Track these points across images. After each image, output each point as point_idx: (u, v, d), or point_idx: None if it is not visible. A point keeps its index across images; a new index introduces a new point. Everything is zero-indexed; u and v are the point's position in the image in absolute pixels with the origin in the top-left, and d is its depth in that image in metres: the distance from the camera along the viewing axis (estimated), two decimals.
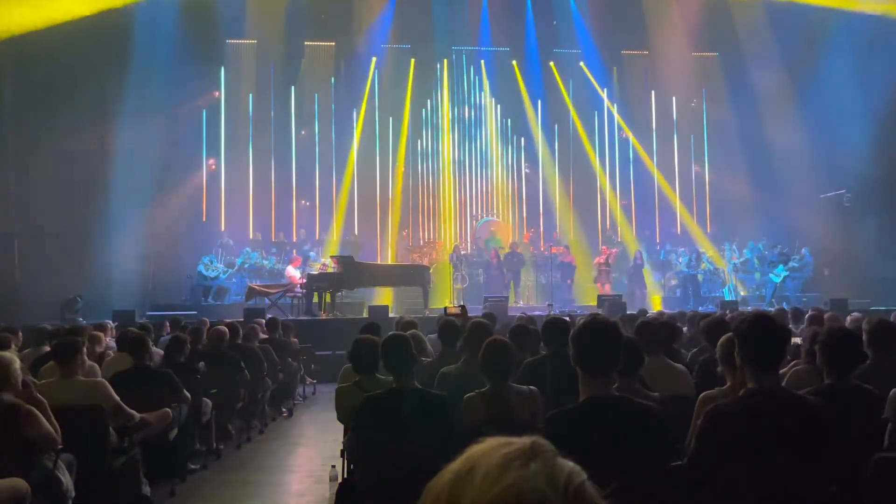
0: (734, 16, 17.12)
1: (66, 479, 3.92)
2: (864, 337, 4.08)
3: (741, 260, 16.23)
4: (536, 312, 11.20)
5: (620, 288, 15.26)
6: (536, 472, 0.75)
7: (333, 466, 5.01)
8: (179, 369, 5.65)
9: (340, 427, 4.25)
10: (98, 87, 13.56)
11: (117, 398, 4.60)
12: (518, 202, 19.21)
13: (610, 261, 15.66)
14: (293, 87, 18.06)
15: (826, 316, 7.09)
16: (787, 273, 15.01)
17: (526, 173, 19.18)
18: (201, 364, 6.50)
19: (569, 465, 0.77)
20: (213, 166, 17.52)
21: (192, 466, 5.82)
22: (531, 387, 3.56)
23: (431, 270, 15.08)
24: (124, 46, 14.21)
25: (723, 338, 3.54)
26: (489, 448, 0.79)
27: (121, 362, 5.69)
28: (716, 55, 18.33)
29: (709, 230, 18.78)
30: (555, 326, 4.32)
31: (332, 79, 18.09)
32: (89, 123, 12.96)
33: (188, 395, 5.50)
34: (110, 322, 9.23)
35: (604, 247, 16.29)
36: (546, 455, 0.77)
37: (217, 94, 17.48)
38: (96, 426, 4.33)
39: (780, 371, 3.53)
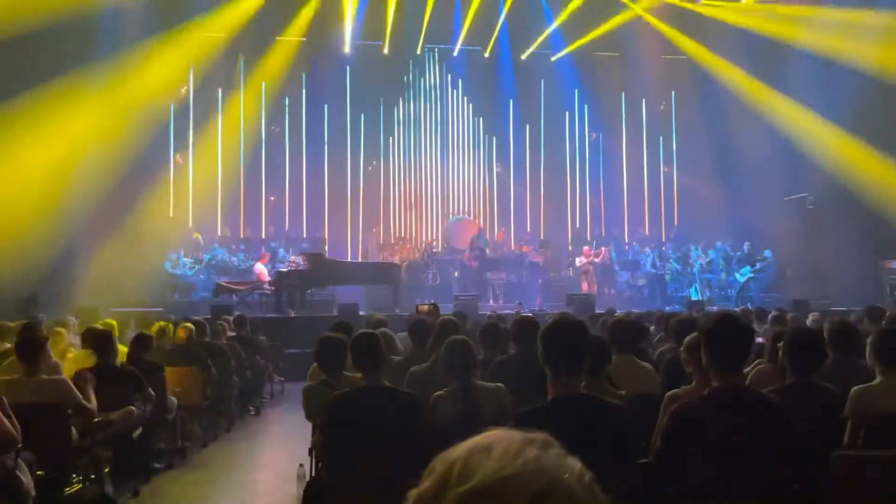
0: (703, 20, 17.38)
1: (27, 479, 3.84)
2: (826, 337, 4.16)
3: (707, 260, 16.49)
4: (506, 312, 11.24)
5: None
6: (557, 455, 0.78)
7: (301, 465, 4.97)
8: (144, 367, 5.56)
9: (308, 425, 4.22)
10: (62, 77, 13.25)
11: (80, 396, 4.52)
12: (490, 201, 19.28)
13: (597, 259, 15.51)
14: (263, 83, 17.88)
15: (789, 316, 7.24)
16: (751, 274, 15.30)
17: (497, 172, 19.25)
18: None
19: (579, 462, 0.79)
20: (181, 161, 17.27)
21: (157, 465, 5.73)
22: (498, 384, 3.58)
23: (403, 268, 15.05)
24: (90, 37, 13.91)
25: (688, 337, 3.59)
26: (506, 432, 0.81)
27: (84, 360, 5.59)
28: (685, 58, 18.59)
29: (676, 230, 19.05)
30: (524, 325, 4.34)
31: (304, 75, 17.96)
32: (51, 114, 12.66)
33: (153, 393, 5.41)
34: (73, 318, 9.04)
35: (586, 248, 16.03)
36: (560, 447, 0.80)
37: (185, 88, 17.22)
38: (58, 425, 4.25)
39: (745, 370, 3.59)
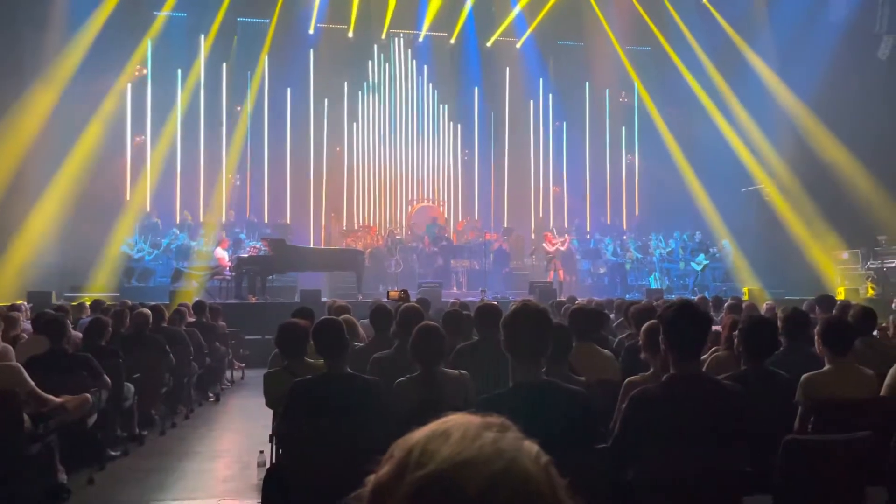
0: (666, 13, 17.60)
1: None
2: (779, 325, 4.27)
3: (667, 250, 16.77)
4: (469, 299, 11.27)
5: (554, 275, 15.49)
6: (514, 439, 0.79)
7: (262, 452, 4.93)
8: (100, 353, 5.43)
9: (269, 412, 4.18)
10: (13, 54, 12.83)
11: (32, 383, 4.41)
12: (455, 188, 19.29)
13: (562, 247, 15.55)
14: (225, 65, 17.53)
15: (744, 305, 7.41)
16: (707, 262, 15.63)
17: (462, 159, 19.26)
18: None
19: (536, 445, 0.81)
20: (140, 142, 16.86)
21: (113, 453, 5.63)
22: (462, 371, 3.59)
23: (366, 255, 14.98)
24: (42, 11, 13.47)
25: (645, 325, 3.65)
26: (464, 417, 0.82)
27: (36, 345, 5.44)
28: (648, 49, 18.80)
29: (637, 220, 19.35)
30: (487, 312, 4.35)
31: (266, 57, 17.66)
32: (1, 92, 12.26)
33: (108, 379, 5.30)
34: (25, 303, 8.82)
35: (547, 233, 16.14)
36: (518, 431, 0.81)
37: (143, 69, 16.79)
38: (9, 412, 4.14)
39: (702, 357, 3.66)
